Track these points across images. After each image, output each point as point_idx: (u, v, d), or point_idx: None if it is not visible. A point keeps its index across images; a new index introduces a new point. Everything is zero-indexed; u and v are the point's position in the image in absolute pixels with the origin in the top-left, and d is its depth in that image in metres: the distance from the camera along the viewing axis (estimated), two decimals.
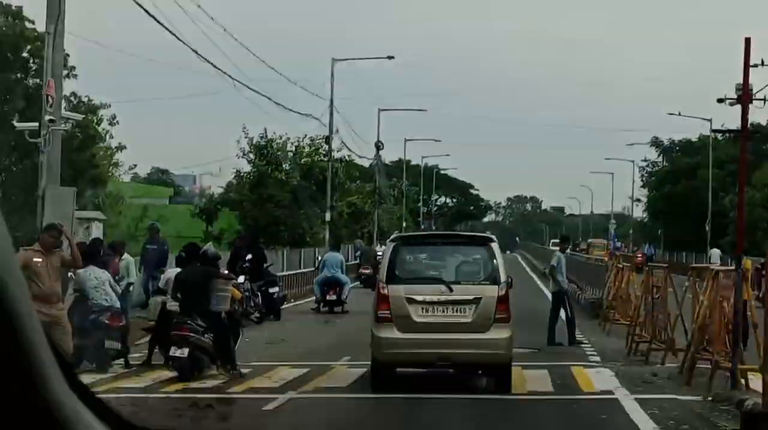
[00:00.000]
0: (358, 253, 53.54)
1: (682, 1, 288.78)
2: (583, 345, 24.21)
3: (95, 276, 19.00)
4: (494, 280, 16.94)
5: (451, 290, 16.75)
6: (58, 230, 16.12)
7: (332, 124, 56.53)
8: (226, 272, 22.14)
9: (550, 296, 44.33)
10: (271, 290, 30.43)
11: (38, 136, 23.81)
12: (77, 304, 18.81)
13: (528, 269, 79.28)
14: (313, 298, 36.59)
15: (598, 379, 18.33)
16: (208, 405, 15.36)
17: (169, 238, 59.06)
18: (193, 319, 17.99)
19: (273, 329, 27.80)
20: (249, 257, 30.45)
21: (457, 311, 16.69)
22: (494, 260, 17.18)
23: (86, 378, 17.33)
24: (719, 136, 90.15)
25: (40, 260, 15.40)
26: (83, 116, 43.25)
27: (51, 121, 23.53)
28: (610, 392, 16.74)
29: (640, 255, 51.19)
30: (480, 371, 17.59)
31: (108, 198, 56.95)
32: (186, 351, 17.71)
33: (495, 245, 17.67)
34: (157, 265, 27.32)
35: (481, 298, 16.70)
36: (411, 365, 17.54)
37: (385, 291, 16.88)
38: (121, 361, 19.50)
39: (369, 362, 17.84)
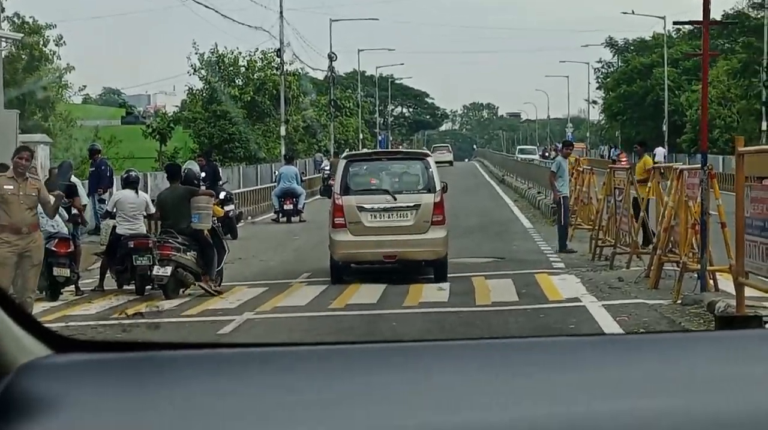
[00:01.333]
0: (324, 166, 52.74)
1: None
2: (569, 252, 23.46)
3: None
4: (430, 189, 19.94)
5: (395, 198, 19.77)
6: (29, 151, 15.11)
7: (283, 36, 55.43)
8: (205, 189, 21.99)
9: (510, 203, 44.39)
10: (225, 208, 29.66)
11: None
12: None
13: (486, 176, 78.93)
14: (272, 213, 38.40)
15: (563, 286, 17.89)
16: (137, 313, 16.30)
17: (122, 159, 58.45)
18: (175, 237, 18.17)
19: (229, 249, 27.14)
20: (202, 175, 29.70)
21: (400, 215, 19.78)
22: (430, 172, 20.12)
23: (36, 306, 16.79)
24: (673, 33, 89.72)
25: (11, 186, 14.32)
26: (22, 35, 42.24)
27: None
28: (577, 300, 16.31)
29: (624, 160, 50.16)
30: (423, 263, 20.12)
31: (58, 121, 55.90)
32: (169, 269, 17.91)
33: (430, 159, 20.81)
34: (95, 186, 26.76)
35: (420, 204, 19.76)
36: (363, 262, 20.23)
37: (340, 201, 19.90)
38: (72, 288, 18.89)
39: (328, 279, 19.86)
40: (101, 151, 29.73)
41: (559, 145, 34.80)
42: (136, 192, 19.72)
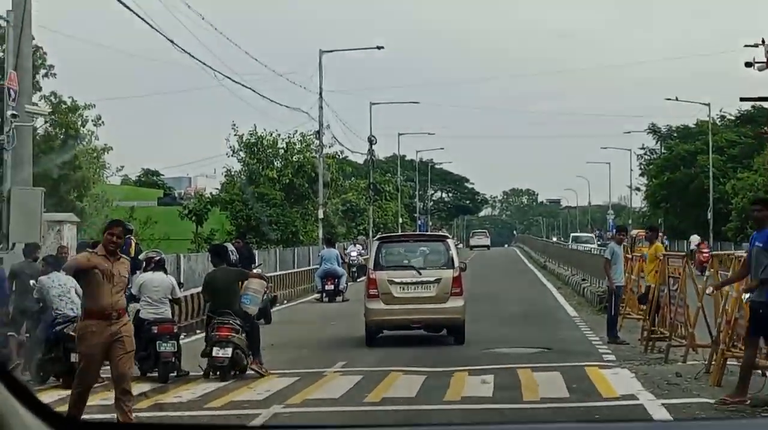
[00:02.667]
0: (351, 251, 51.88)
1: None
2: (620, 343, 22.19)
3: (60, 283, 17.28)
4: (450, 265, 23.34)
5: (420, 273, 23.19)
6: (121, 226, 13.20)
7: (322, 118, 54.72)
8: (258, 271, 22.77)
9: (553, 289, 43.10)
10: None
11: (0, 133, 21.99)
12: (40, 314, 17.14)
13: (527, 262, 77.68)
14: (310, 297, 40.53)
15: (617, 381, 16.57)
16: (141, 393, 15.80)
17: (157, 240, 57.67)
18: (233, 319, 18.13)
19: (262, 335, 25.99)
20: (237, 256, 28.69)
21: (424, 288, 23.04)
22: (450, 251, 23.71)
23: (53, 394, 15.73)
24: (717, 120, 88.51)
25: (106, 265, 12.52)
26: (50, 110, 41.67)
27: (14, 116, 21.79)
28: (633, 397, 15.00)
29: (705, 250, 48.19)
30: (444, 331, 23.73)
31: (93, 201, 55.27)
32: (229, 351, 17.82)
33: (450, 241, 24.93)
34: None
35: (441, 278, 23.07)
36: (393, 327, 23.53)
37: (373, 275, 23.37)
38: None
39: (365, 369, 19.01)
40: (132, 231, 28.68)
41: (612, 231, 33.57)
42: (165, 273, 18.69)
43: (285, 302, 38.80)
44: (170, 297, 18.38)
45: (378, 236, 27.92)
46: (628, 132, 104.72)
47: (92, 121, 58.32)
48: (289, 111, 52.88)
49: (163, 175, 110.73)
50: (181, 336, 26.09)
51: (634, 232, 56.73)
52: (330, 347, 23.31)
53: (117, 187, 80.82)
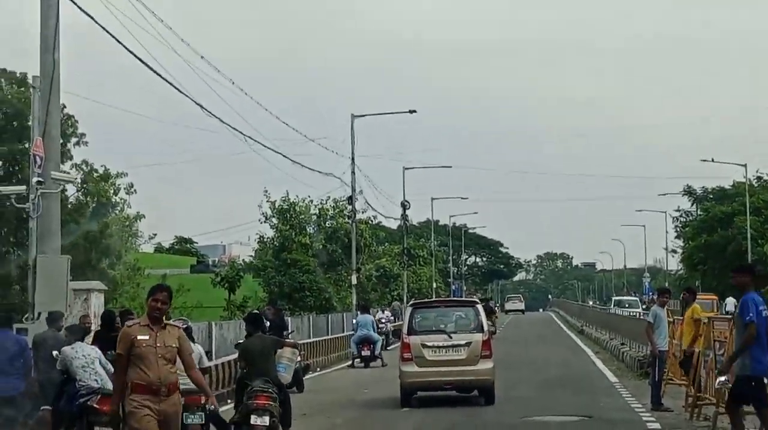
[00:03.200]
0: (382, 318, 51.22)
1: (708, 49, 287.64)
2: (664, 410, 21.46)
3: (84, 354, 16.72)
4: (479, 329, 24.33)
5: (450, 337, 24.16)
6: (167, 292, 11.70)
7: (354, 183, 54.35)
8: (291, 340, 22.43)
9: (591, 353, 42.32)
10: None
11: (26, 201, 21.55)
12: (63, 385, 16.58)
13: (563, 326, 76.77)
14: (344, 364, 41.01)
15: None
16: None
17: (190, 308, 57.20)
18: (271, 387, 17.88)
19: (294, 403, 25.32)
20: (268, 324, 28.13)
21: (455, 351, 23.99)
22: (479, 316, 24.61)
23: None
24: (754, 181, 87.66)
25: (146, 337, 11.28)
26: (77, 177, 41.46)
27: (39, 182, 21.40)
28: None
29: None
30: (475, 391, 24.51)
31: (126, 269, 54.96)
32: (267, 420, 17.54)
33: (479, 306, 25.66)
34: None
35: (471, 342, 24.03)
36: (427, 389, 24.34)
37: (407, 340, 24.35)
38: None
39: None
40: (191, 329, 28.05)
41: (649, 294, 32.79)
42: (193, 342, 18.09)
43: (318, 369, 38.16)
44: (198, 367, 17.78)
45: (411, 302, 29.86)
46: (664, 194, 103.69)
47: (124, 189, 58.22)
48: (322, 177, 52.27)
49: (196, 242, 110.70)
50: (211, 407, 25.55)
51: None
52: (363, 416, 22.64)
53: (150, 255, 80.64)
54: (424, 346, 24.05)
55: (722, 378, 13.69)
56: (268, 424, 17.58)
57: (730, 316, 21.41)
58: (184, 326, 17.99)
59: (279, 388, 18.30)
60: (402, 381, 24.22)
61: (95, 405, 16.11)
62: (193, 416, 16.91)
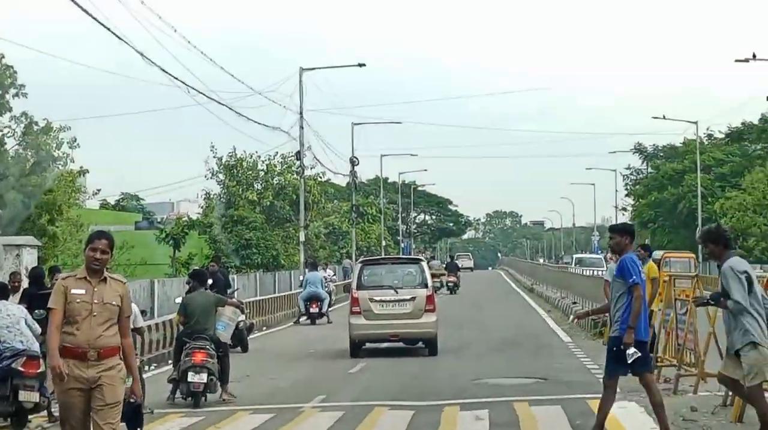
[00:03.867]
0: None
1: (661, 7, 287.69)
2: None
3: (8, 313, 15.59)
4: (424, 285, 25.73)
5: (396, 292, 25.57)
6: (107, 239, 9.74)
7: (303, 138, 53.10)
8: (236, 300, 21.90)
9: (543, 313, 41.55)
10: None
11: None
12: None
13: (513, 285, 76.16)
14: (291, 323, 40.24)
15: (625, 417, 14.93)
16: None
17: (133, 265, 55.92)
18: (209, 344, 17.78)
19: (237, 364, 24.36)
20: (211, 281, 27.07)
21: (401, 305, 25.39)
22: (424, 273, 26.08)
23: None
24: (705, 139, 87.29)
25: (81, 291, 9.50)
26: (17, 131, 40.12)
27: None
28: None
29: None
30: (420, 343, 25.83)
31: (67, 225, 53.50)
32: (204, 376, 17.46)
33: (424, 263, 27.28)
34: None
35: (416, 297, 25.43)
36: (374, 340, 25.77)
37: (356, 294, 25.79)
38: (44, 413, 16.11)
39: (346, 403, 17.45)
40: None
41: (598, 252, 31.89)
42: None
43: (264, 328, 37.18)
44: (132, 326, 16.71)
45: (360, 260, 31.81)
46: (614, 152, 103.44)
47: (68, 143, 56.64)
48: (269, 131, 50.92)
49: (143, 199, 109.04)
50: (149, 368, 24.54)
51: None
52: (309, 379, 21.66)
53: (94, 212, 79.08)
54: (372, 300, 25.50)
55: (630, 351, 12.71)
56: (205, 381, 17.42)
57: (695, 275, 20.60)
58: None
59: (217, 345, 18.07)
60: (351, 333, 25.71)
61: (20, 368, 15.03)
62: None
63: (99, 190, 69.08)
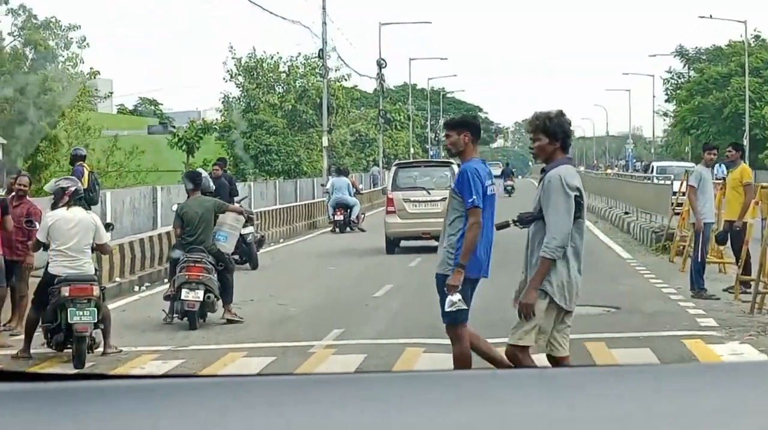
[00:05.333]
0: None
1: None
2: (707, 297, 16.67)
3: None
4: None
5: (429, 193, 26.81)
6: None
7: (326, 35, 49.00)
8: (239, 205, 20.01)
9: (589, 224, 37.63)
10: (243, 231, 23.12)
11: None
12: None
13: None
14: (313, 233, 37.80)
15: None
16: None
17: (144, 172, 52.27)
18: (206, 256, 15.77)
19: (243, 284, 20.62)
20: (213, 187, 23.28)
21: (433, 205, 26.10)
22: (455, 175, 27.17)
23: None
24: (752, 41, 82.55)
25: None
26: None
27: None
28: None
29: None
30: None
31: (73, 128, 49.78)
32: (200, 294, 15.38)
33: (455, 167, 25.07)
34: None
35: (446, 197, 26.22)
36: (408, 238, 27.11)
37: (391, 195, 27.48)
38: None
39: (367, 342, 13.87)
40: (84, 157, 23.36)
41: (631, 162, 28.17)
42: (86, 210, 13.26)
43: (282, 240, 33.51)
44: (93, 243, 12.96)
45: (395, 162, 33.01)
46: (654, 55, 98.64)
47: (77, 42, 52.87)
48: (289, 26, 47.04)
49: (161, 104, 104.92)
50: (144, 287, 20.92)
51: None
52: (325, 304, 17.88)
53: (109, 116, 75.41)
54: (406, 200, 27.03)
55: (454, 297, 9.13)
56: (201, 299, 15.38)
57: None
58: (73, 187, 13.12)
59: (217, 258, 16.06)
60: (386, 231, 27.37)
61: None
62: (81, 313, 12.19)
63: (111, 93, 65.13)
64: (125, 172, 49.30)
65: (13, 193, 15.17)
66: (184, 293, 15.44)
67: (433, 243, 25.35)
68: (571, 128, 8.52)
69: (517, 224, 8.80)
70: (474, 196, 9.27)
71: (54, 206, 12.96)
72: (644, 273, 21.18)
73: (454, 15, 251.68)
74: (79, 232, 12.68)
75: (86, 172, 22.72)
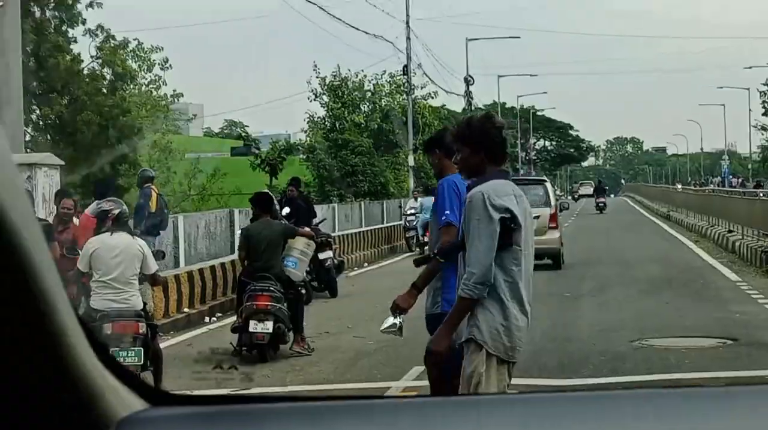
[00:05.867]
0: (409, 209, 45.66)
1: None
2: None
3: None
4: (548, 204, 27.26)
5: None
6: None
7: (410, 50, 47.58)
8: (308, 229, 18.40)
9: (690, 244, 35.72)
10: (320, 256, 21.67)
11: None
12: None
13: (644, 212, 70.32)
14: (399, 257, 35.59)
15: None
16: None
17: (227, 195, 51.30)
18: (274, 284, 14.74)
19: (321, 314, 19.13)
20: (287, 210, 21.89)
21: None
22: (547, 193, 27.82)
23: None
24: None
25: None
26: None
27: None
28: None
29: None
30: (545, 259, 25.92)
31: (155, 151, 49.00)
32: (270, 325, 14.40)
33: (548, 184, 29.37)
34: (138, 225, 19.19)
35: (539, 215, 24.13)
36: None
37: None
38: None
39: None
40: (152, 179, 22.18)
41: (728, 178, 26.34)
42: (131, 235, 11.82)
43: (365, 264, 32.07)
44: (140, 273, 11.51)
45: None
46: (749, 68, 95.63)
47: (159, 64, 52.15)
48: (372, 45, 45.82)
49: (248, 126, 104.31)
50: (165, 336, 19.46)
51: None
52: (406, 338, 16.28)
53: (191, 138, 74.74)
54: None
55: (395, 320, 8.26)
56: (271, 331, 14.37)
57: None
58: (117, 211, 11.67)
59: (287, 286, 15.09)
60: None
61: None
62: (124, 355, 10.76)
63: (194, 116, 64.40)
64: (207, 195, 48.36)
65: (58, 218, 13.84)
66: (253, 325, 14.40)
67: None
68: (504, 134, 6.85)
69: (437, 257, 7.30)
70: (448, 211, 7.89)
71: (96, 232, 11.55)
72: (758, 297, 19.28)
73: (543, 30, 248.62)
74: (124, 260, 11.24)
75: (154, 195, 21.51)
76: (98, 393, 1.59)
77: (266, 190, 19.58)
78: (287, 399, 1.88)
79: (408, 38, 47.52)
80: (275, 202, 17.31)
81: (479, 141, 6.62)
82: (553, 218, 27.19)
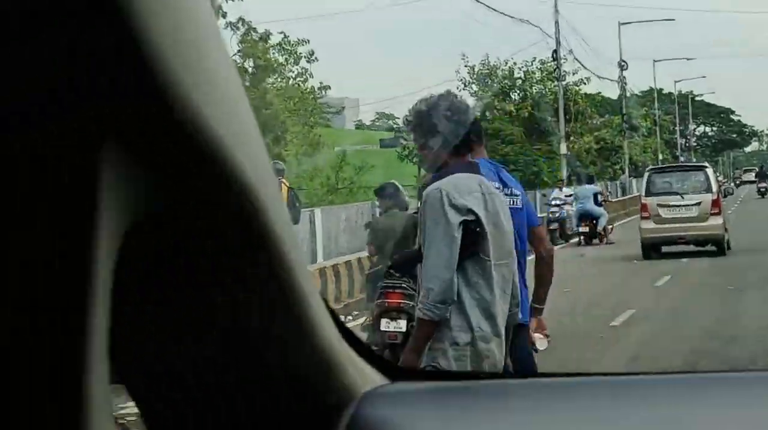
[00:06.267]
0: (554, 200, 43.95)
1: None
2: None
3: None
4: (709, 190, 27.87)
5: (683, 197, 27.83)
6: None
7: (558, 34, 46.07)
8: None
9: None
10: None
11: None
12: None
13: None
14: (555, 247, 33.75)
15: None
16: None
17: (373, 187, 50.41)
18: (407, 281, 12.88)
19: None
20: (407, 203, 20.71)
21: (687, 209, 27.58)
22: (708, 179, 28.18)
23: None
24: None
25: None
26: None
27: None
28: None
29: None
30: (708, 245, 27.23)
31: (301, 144, 48.44)
32: (403, 324, 13.21)
33: (709, 170, 29.25)
34: None
35: (701, 202, 27.37)
36: (663, 243, 27.67)
37: (645, 201, 28.33)
38: None
39: None
40: (282, 172, 21.21)
41: None
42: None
43: None
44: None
45: (649, 168, 33.73)
46: None
47: (305, 57, 51.66)
48: (517, 29, 44.45)
49: (398, 117, 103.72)
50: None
51: None
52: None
53: (340, 131, 74.39)
54: (660, 205, 27.55)
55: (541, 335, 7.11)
56: (404, 329, 13.12)
57: None
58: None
59: (415, 281, 12.24)
60: (642, 236, 27.71)
61: None
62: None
63: (343, 108, 63.96)
64: (357, 188, 47.69)
65: None
66: (384, 324, 13.45)
67: (688, 248, 27.23)
68: (469, 116, 5.38)
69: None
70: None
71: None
72: None
73: (699, 10, 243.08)
74: None
75: (284, 189, 20.52)
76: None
77: (392, 182, 18.40)
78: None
79: (557, 23, 45.99)
80: (403, 192, 16.29)
81: (431, 129, 5.31)
82: (716, 203, 27.27)
